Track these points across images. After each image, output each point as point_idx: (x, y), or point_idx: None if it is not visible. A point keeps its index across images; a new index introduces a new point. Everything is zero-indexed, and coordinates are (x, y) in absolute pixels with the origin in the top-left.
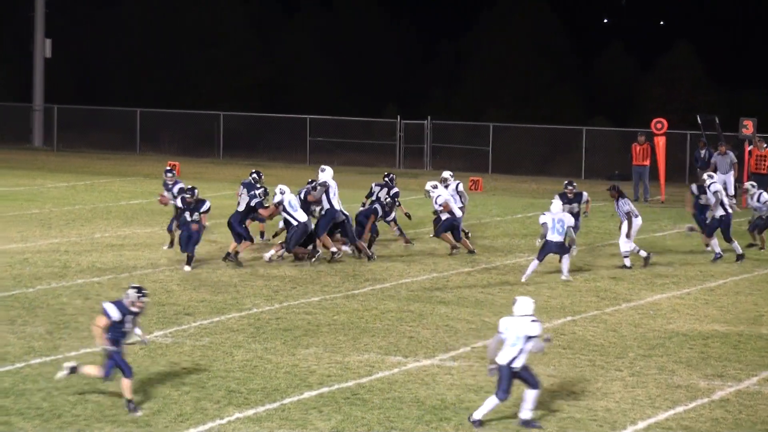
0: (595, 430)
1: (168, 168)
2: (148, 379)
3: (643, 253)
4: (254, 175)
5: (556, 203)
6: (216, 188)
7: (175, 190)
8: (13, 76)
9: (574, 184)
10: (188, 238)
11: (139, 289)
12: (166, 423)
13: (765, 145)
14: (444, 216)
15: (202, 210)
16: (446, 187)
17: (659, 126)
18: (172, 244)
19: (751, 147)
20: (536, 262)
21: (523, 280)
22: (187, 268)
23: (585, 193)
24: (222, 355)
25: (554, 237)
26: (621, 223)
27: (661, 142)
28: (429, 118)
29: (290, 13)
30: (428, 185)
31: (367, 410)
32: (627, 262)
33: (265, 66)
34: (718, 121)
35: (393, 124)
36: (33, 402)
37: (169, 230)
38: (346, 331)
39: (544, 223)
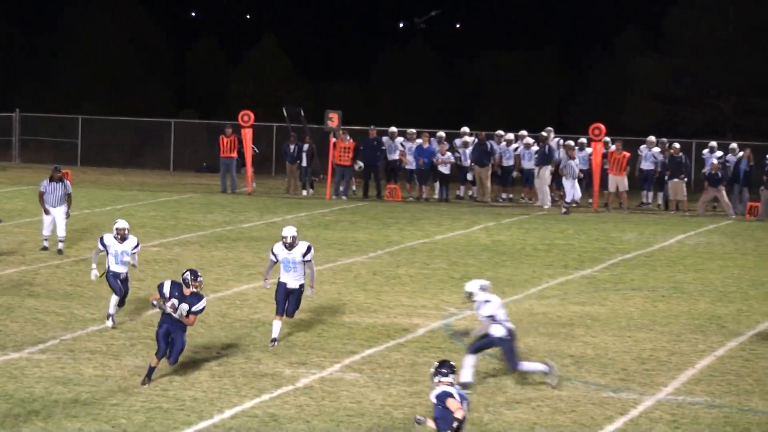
0: (183, 420)
1: None
2: None
3: None
4: None
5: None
6: None
7: None
8: None
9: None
10: None
11: None
12: None
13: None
14: None
15: None
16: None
17: (246, 119)
18: None
19: (335, 139)
20: None
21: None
22: None
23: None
24: None
25: None
26: None
27: (248, 134)
28: (17, 110)
29: None
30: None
31: None
32: None
33: None
34: (303, 114)
35: None
36: None
37: None
38: None
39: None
